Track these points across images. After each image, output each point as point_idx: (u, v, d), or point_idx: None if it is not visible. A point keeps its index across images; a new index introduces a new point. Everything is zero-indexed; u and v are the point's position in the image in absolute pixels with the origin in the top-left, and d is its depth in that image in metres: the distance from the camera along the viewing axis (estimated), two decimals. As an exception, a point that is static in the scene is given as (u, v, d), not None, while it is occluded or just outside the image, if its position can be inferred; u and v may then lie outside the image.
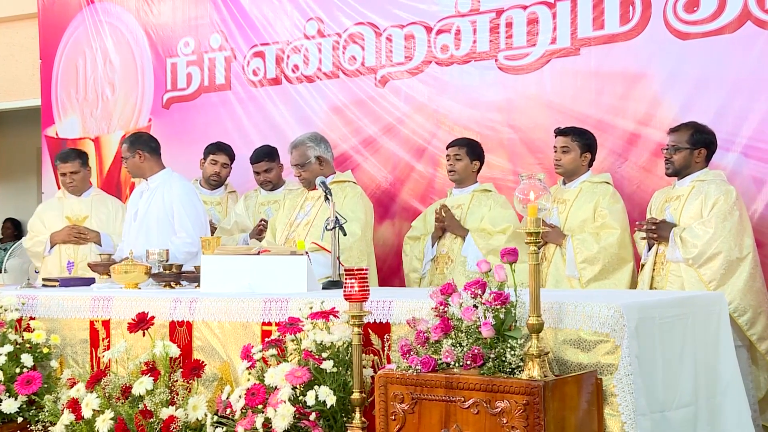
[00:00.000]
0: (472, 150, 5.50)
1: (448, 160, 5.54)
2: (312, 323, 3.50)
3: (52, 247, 6.09)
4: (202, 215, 5.55)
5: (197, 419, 3.67)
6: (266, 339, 3.67)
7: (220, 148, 6.40)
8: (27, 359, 4.26)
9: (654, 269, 4.82)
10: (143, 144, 5.59)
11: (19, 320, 4.41)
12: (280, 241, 5.27)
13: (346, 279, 3.28)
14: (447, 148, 5.57)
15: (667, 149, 4.90)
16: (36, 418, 4.14)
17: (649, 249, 4.88)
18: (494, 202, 5.41)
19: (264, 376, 3.44)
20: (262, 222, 5.94)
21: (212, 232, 6.12)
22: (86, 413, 3.76)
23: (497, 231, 5.29)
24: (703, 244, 4.61)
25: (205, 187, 6.46)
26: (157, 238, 5.32)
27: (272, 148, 6.22)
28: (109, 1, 7.85)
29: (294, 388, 3.35)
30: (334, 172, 5.36)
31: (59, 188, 6.53)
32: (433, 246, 5.48)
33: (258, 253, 4.26)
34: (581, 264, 4.95)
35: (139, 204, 5.54)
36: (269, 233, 5.58)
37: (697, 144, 4.83)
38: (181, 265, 4.83)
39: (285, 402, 3.30)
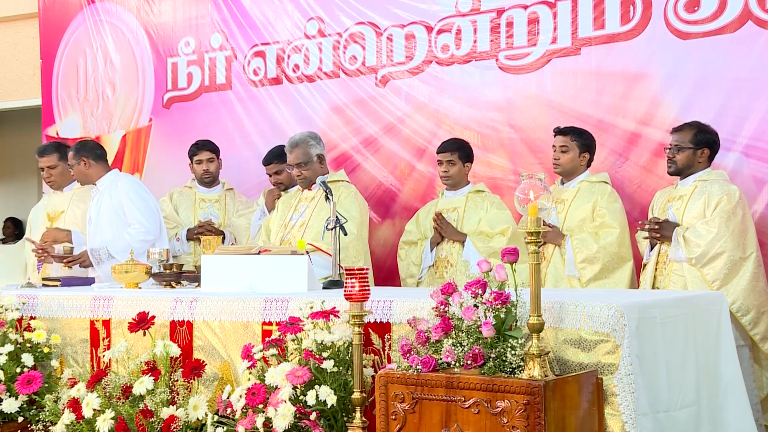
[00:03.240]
0: (465, 153, 5.48)
1: (440, 165, 5.50)
2: (312, 323, 3.50)
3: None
4: (153, 205, 5.71)
5: (198, 419, 3.67)
6: (267, 339, 3.67)
7: (200, 146, 6.40)
8: (27, 359, 4.26)
9: (656, 269, 4.82)
10: (88, 151, 5.74)
11: (20, 320, 4.42)
12: (275, 242, 5.27)
13: (346, 279, 3.28)
14: (438, 153, 5.53)
15: (669, 149, 4.89)
16: (36, 418, 4.15)
17: (651, 249, 4.88)
18: (490, 204, 5.40)
19: (264, 376, 3.44)
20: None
21: (212, 232, 6.13)
22: (87, 413, 3.76)
23: (496, 233, 5.27)
24: (707, 243, 4.61)
25: (201, 185, 6.46)
26: (111, 235, 5.50)
27: (283, 148, 6.21)
28: (109, 1, 7.85)
29: (294, 388, 3.35)
30: (328, 172, 5.36)
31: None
32: (431, 251, 5.47)
33: (258, 253, 4.26)
34: (581, 264, 4.95)
35: (93, 208, 5.69)
36: (264, 235, 5.58)
37: (700, 144, 4.83)
38: (182, 265, 4.84)
39: (285, 402, 3.30)
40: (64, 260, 5.46)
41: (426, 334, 3.12)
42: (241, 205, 6.46)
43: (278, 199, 5.78)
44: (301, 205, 5.31)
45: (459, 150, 5.47)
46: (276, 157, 6.14)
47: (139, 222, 5.53)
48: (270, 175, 6.17)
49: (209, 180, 6.42)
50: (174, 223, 6.27)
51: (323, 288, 4.23)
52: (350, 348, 3.41)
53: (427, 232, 5.54)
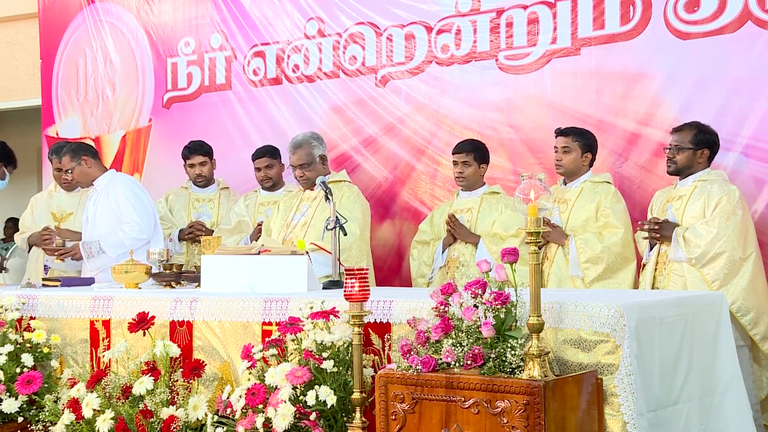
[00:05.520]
0: (480, 154, 5.45)
1: (455, 166, 5.47)
2: (312, 323, 3.50)
3: (30, 249, 6.10)
4: (148, 205, 5.73)
5: (198, 419, 3.67)
6: (266, 339, 3.67)
7: (192, 150, 6.39)
8: (27, 359, 4.26)
9: (656, 269, 4.82)
10: (86, 150, 5.78)
11: (20, 320, 4.41)
12: (277, 242, 5.27)
13: (346, 279, 3.28)
14: (453, 153, 5.50)
15: (669, 149, 4.90)
16: (36, 418, 4.15)
17: (651, 249, 4.88)
18: (504, 206, 5.36)
19: (264, 376, 3.44)
20: (260, 225, 5.95)
21: (205, 232, 6.13)
22: (86, 413, 3.76)
23: (509, 235, 5.25)
24: (707, 243, 4.61)
25: (197, 186, 6.47)
26: (106, 231, 5.53)
27: (275, 147, 6.22)
28: (109, 1, 7.85)
29: (294, 388, 3.35)
30: (330, 172, 5.37)
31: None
32: (443, 252, 5.46)
33: (258, 253, 4.26)
34: (585, 264, 4.95)
35: (89, 208, 5.71)
36: (264, 235, 5.57)
37: (700, 144, 4.83)
38: (182, 265, 4.85)
39: (285, 402, 3.30)
40: (57, 252, 5.47)
41: (426, 334, 3.12)
42: (235, 204, 6.45)
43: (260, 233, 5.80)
44: (303, 205, 5.32)
45: (474, 151, 5.43)
46: (267, 152, 6.15)
47: (134, 220, 5.54)
48: (259, 170, 6.15)
49: (203, 183, 6.42)
50: (169, 224, 6.28)
51: (323, 288, 4.23)
52: (350, 348, 3.41)
53: (441, 233, 5.53)
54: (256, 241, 5.84)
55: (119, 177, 5.82)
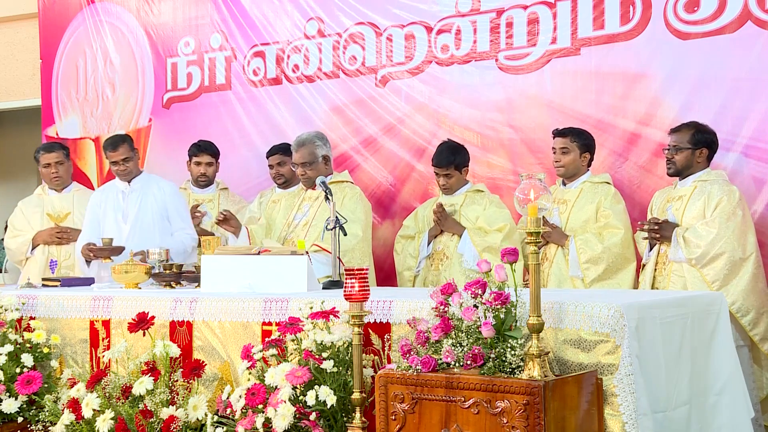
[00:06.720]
0: (460, 161, 5.41)
1: (437, 177, 5.46)
2: (312, 323, 3.51)
3: (34, 248, 6.09)
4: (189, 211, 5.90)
5: (197, 419, 3.67)
6: (266, 339, 3.67)
7: (201, 149, 6.40)
8: (27, 359, 4.26)
9: (656, 269, 4.82)
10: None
11: (20, 320, 4.42)
12: (278, 242, 5.27)
13: (346, 279, 3.28)
14: (434, 166, 5.45)
15: (668, 149, 4.90)
16: (36, 418, 4.15)
17: (651, 249, 4.88)
18: (489, 202, 5.38)
19: (264, 376, 3.45)
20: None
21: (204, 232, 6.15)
22: (86, 413, 3.77)
23: (494, 229, 5.26)
24: (707, 244, 4.61)
25: (196, 186, 6.47)
26: (159, 237, 5.52)
27: (288, 144, 6.21)
28: (109, 1, 7.85)
29: (294, 388, 3.36)
30: (332, 173, 5.37)
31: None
32: (429, 244, 5.46)
33: (258, 253, 4.26)
34: (585, 264, 4.95)
35: (123, 206, 5.68)
36: (263, 234, 5.58)
37: (698, 144, 4.83)
38: (182, 265, 4.84)
39: (285, 402, 3.30)
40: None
41: (426, 334, 3.12)
42: (235, 205, 6.45)
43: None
44: (305, 205, 5.32)
45: (454, 162, 5.39)
46: (280, 149, 6.16)
47: (189, 226, 5.70)
48: (272, 167, 6.17)
49: (205, 183, 6.43)
50: None
51: (323, 288, 4.24)
52: (350, 348, 3.41)
53: (424, 228, 5.54)
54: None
55: (161, 179, 5.87)
